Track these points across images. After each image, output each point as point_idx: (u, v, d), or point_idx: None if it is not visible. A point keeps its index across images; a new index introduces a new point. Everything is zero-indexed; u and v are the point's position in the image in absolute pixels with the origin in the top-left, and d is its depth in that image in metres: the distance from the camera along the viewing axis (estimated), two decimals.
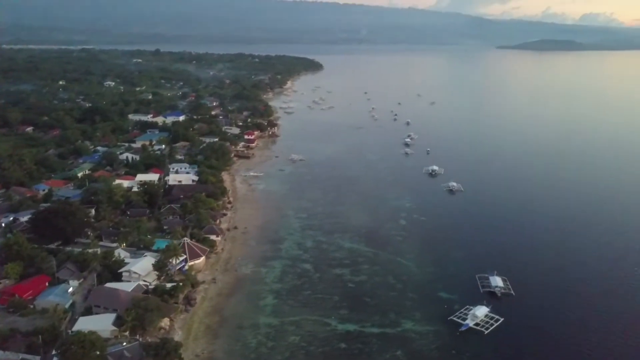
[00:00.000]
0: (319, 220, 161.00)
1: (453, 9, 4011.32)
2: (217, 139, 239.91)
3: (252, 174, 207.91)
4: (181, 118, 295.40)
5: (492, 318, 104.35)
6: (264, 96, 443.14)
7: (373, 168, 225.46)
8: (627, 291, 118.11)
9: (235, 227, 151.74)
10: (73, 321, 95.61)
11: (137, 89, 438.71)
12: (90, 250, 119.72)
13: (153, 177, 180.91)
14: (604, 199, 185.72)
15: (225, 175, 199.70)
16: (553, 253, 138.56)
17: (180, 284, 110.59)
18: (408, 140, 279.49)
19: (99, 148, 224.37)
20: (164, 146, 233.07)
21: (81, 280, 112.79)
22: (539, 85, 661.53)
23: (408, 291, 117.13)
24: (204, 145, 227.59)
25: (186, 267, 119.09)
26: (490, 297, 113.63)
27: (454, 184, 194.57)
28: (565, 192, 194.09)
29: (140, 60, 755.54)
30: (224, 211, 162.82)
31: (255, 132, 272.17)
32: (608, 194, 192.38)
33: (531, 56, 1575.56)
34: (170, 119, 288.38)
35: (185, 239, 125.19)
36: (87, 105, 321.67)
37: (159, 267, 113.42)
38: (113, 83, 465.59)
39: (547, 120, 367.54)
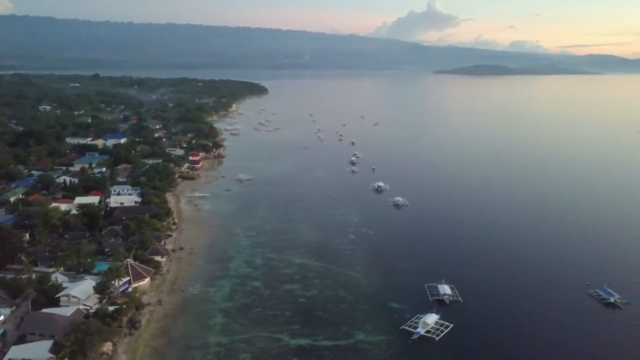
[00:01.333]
0: (269, 237, 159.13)
1: (392, 36, 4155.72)
2: (160, 161, 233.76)
3: (197, 194, 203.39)
4: (122, 140, 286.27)
5: (442, 325, 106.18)
6: (209, 119, 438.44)
7: (321, 185, 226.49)
8: (568, 296, 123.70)
9: (181, 248, 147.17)
10: (3, 352, 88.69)
11: (75, 112, 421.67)
12: (23, 276, 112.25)
13: (93, 199, 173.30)
14: (540, 209, 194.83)
15: (169, 197, 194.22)
16: (496, 261, 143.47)
17: (124, 306, 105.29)
18: (354, 158, 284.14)
19: (33, 172, 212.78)
20: (104, 169, 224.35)
21: (13, 307, 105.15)
22: (474, 107, 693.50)
23: (359, 303, 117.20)
24: (147, 167, 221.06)
25: (130, 289, 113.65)
26: (439, 305, 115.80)
27: (400, 198, 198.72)
28: (505, 203, 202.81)
29: (78, 84, 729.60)
30: (169, 232, 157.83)
31: (201, 153, 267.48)
32: (545, 204, 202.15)
33: (466, 80, 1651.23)
34: (111, 142, 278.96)
35: (129, 260, 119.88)
36: (20, 129, 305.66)
37: (100, 289, 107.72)
38: (49, 107, 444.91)
39: (483, 138, 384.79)
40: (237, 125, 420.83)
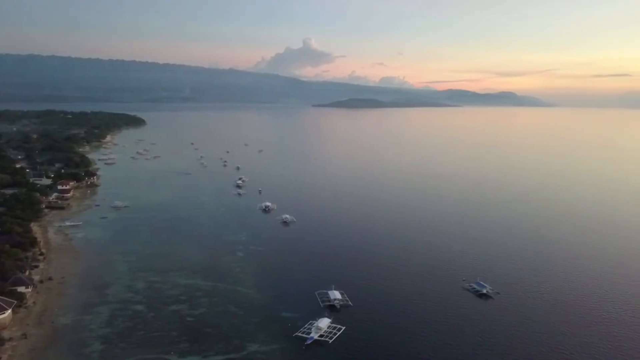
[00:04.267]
0: (151, 261, 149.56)
1: (271, 71, 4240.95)
2: (23, 190, 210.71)
3: (68, 223, 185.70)
4: None
5: (334, 328, 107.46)
6: (80, 149, 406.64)
7: (207, 209, 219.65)
8: (446, 291, 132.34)
9: (50, 278, 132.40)
10: None
11: None
12: None
13: None
14: (415, 216, 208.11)
15: (35, 227, 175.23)
16: (381, 266, 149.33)
17: None
18: (239, 182, 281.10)
19: None
20: None
21: None
22: (350, 135, 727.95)
23: (251, 316, 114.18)
24: (8, 196, 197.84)
25: None
26: (331, 310, 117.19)
27: (287, 216, 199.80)
28: (383, 213, 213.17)
29: None
30: (35, 263, 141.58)
31: (71, 183, 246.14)
32: (418, 212, 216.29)
33: (343, 112, 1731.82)
34: None
35: None
36: None
37: None
38: None
39: (359, 161, 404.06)
40: (113, 155, 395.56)
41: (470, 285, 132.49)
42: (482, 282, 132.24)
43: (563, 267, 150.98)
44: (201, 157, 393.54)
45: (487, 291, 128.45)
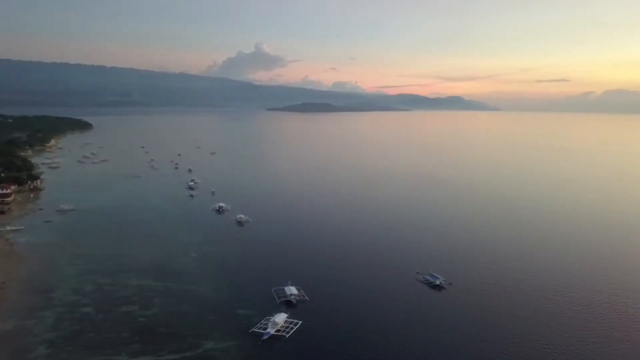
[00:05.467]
0: (100, 263, 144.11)
1: (223, 75, 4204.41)
2: None
3: (9, 228, 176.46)
4: None
5: (291, 323, 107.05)
6: (23, 153, 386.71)
7: (158, 211, 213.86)
8: (401, 283, 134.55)
9: None
10: None
11: None
12: None
13: None
14: (371, 212, 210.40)
15: None
16: (337, 261, 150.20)
17: None
18: (192, 183, 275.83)
19: None
20: None
21: None
22: (303, 138, 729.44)
23: (205, 315, 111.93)
24: None
25: None
26: (287, 306, 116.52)
27: (242, 216, 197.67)
28: (337, 210, 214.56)
29: None
30: None
31: (12, 187, 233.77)
32: (372, 207, 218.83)
33: (296, 116, 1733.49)
34: None
35: None
36: None
37: None
38: None
39: (314, 162, 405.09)
40: (57, 159, 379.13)
41: (423, 277, 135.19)
42: (435, 274, 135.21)
43: (512, 258, 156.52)
44: (152, 160, 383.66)
45: (440, 282, 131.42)
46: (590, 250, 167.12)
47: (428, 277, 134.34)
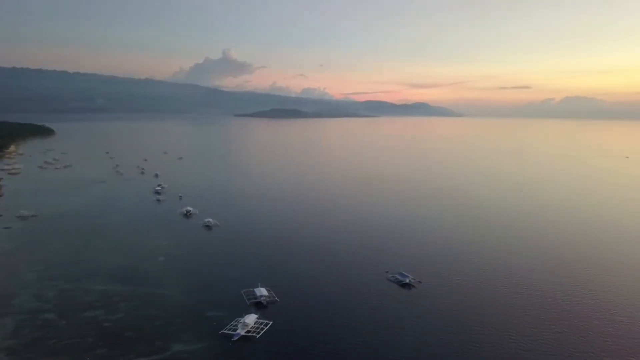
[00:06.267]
0: (62, 269, 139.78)
1: (191, 81, 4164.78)
2: None
3: None
4: None
5: (261, 323, 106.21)
6: None
7: (124, 215, 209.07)
8: (371, 283, 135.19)
9: None
10: None
11: None
12: None
13: None
14: (343, 217, 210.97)
15: None
16: (307, 262, 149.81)
17: None
18: (158, 188, 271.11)
19: None
20: None
21: None
22: (271, 143, 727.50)
23: (174, 318, 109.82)
24: None
25: None
26: (257, 307, 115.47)
27: (210, 219, 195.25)
28: (306, 211, 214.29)
29: None
30: None
31: None
32: (339, 209, 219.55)
33: (265, 122, 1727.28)
34: None
35: None
36: None
37: None
38: None
39: (282, 166, 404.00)
40: (17, 164, 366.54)
41: (393, 276, 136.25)
42: (404, 273, 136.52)
43: (477, 255, 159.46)
44: (117, 165, 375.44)
45: (409, 280, 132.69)
46: (550, 246, 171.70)
47: (397, 276, 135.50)
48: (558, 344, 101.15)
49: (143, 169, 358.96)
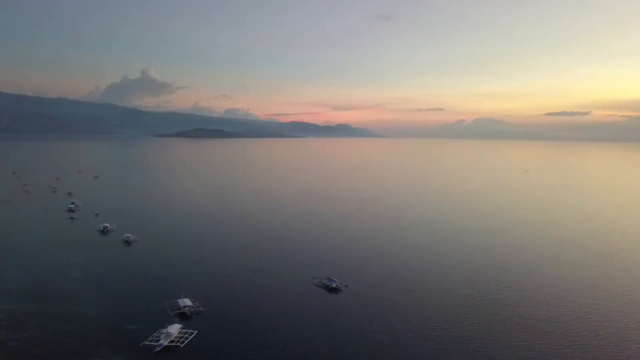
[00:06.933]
0: None
1: (107, 100, 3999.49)
2: None
3: None
4: None
5: (186, 333, 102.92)
6: None
7: (33, 234, 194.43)
8: (298, 290, 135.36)
9: None
10: None
11: None
12: None
13: None
14: (266, 228, 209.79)
15: None
16: (232, 271, 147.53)
17: None
18: (72, 206, 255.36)
19: None
20: None
21: None
22: (191, 163, 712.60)
23: (90, 333, 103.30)
24: None
25: None
26: (181, 318, 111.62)
27: (130, 235, 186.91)
28: (228, 223, 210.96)
29: None
30: None
31: None
32: (270, 223, 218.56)
33: (186, 142, 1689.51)
34: None
35: None
36: None
37: None
38: None
39: (203, 183, 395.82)
40: None
41: (320, 282, 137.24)
42: (331, 278, 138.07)
43: (401, 259, 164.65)
44: (25, 184, 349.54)
45: (336, 285, 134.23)
46: (466, 248, 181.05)
47: (325, 281, 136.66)
48: (472, 335, 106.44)
49: (55, 187, 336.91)
